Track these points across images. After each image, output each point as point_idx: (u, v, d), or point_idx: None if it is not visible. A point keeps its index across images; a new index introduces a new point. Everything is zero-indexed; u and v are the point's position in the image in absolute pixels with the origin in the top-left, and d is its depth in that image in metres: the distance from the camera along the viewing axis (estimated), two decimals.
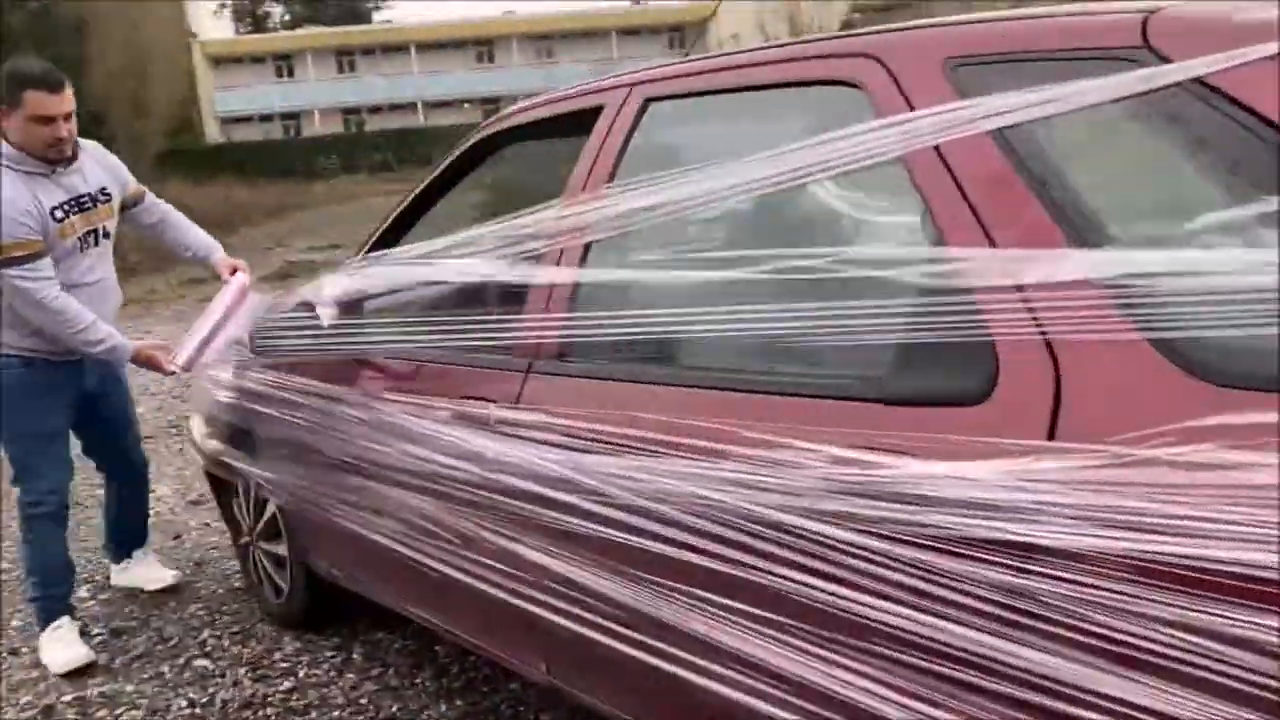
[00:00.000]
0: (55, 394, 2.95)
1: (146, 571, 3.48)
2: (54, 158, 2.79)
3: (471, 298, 2.22)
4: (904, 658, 1.27)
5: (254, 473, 2.78)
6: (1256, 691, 0.98)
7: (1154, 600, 1.04)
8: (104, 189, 2.95)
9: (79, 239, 2.86)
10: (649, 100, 1.92)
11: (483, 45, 41.10)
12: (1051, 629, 1.12)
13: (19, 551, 3.11)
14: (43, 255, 2.73)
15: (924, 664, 1.24)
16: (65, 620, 3.03)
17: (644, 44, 40.04)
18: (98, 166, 2.99)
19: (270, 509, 2.94)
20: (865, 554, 1.28)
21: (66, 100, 2.75)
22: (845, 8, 24.77)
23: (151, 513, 3.61)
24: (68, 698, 2.79)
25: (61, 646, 2.98)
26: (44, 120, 2.71)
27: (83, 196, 2.87)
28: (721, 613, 1.48)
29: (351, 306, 2.44)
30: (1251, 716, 0.99)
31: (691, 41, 38.15)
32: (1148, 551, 1.04)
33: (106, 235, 2.98)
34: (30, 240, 2.71)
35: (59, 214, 2.80)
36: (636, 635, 1.62)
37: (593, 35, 40.35)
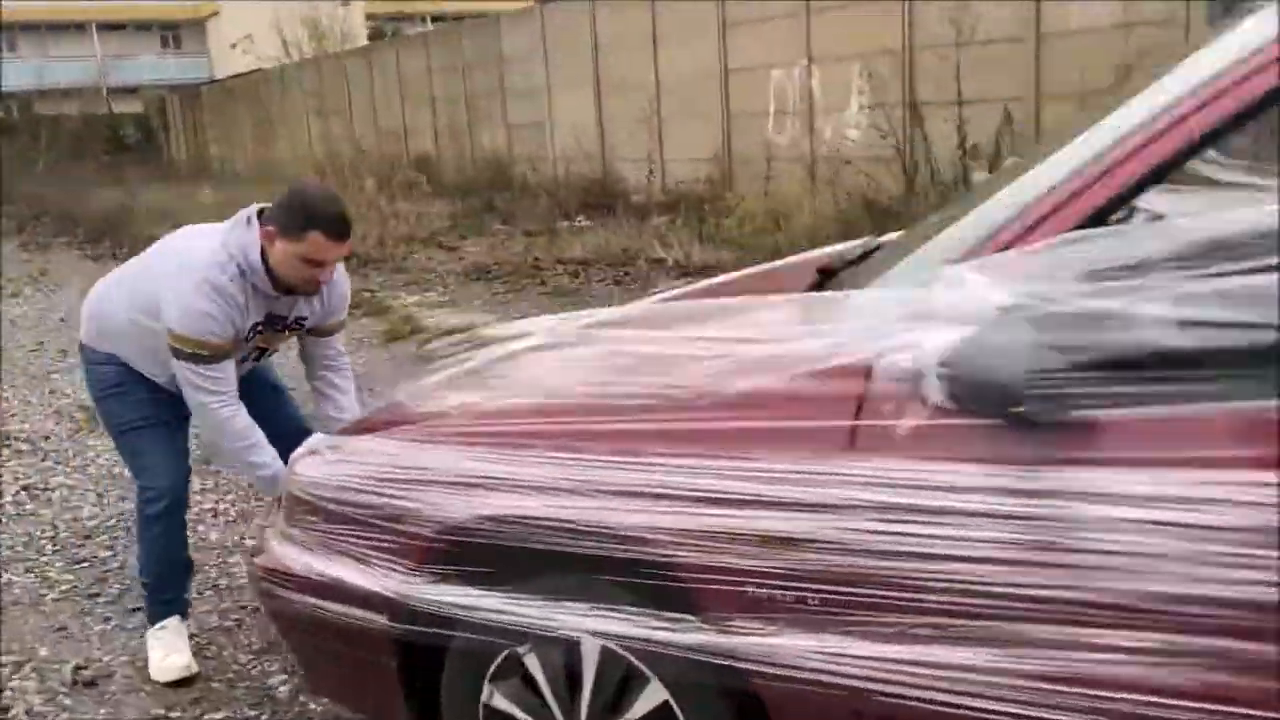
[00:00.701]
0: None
1: None
2: (299, 292, 2.67)
3: None
4: None
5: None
6: None
7: None
8: (301, 319, 2.78)
9: (248, 351, 2.75)
10: None
11: None
12: None
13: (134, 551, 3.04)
14: (227, 358, 2.61)
15: None
16: (173, 620, 2.91)
17: (130, 40, 37.49)
18: (308, 304, 2.78)
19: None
20: None
21: (347, 248, 2.61)
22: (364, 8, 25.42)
23: None
24: None
25: (162, 650, 2.86)
26: (315, 264, 2.56)
27: (278, 319, 2.72)
28: None
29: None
30: None
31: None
32: None
33: (270, 354, 2.93)
34: (217, 344, 2.56)
35: (251, 333, 2.67)
36: None
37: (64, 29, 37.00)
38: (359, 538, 1.90)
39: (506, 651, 1.79)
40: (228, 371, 2.62)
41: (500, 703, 1.84)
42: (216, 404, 2.59)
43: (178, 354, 2.56)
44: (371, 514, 1.88)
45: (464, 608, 1.74)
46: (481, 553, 1.74)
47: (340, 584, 1.91)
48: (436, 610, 1.77)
